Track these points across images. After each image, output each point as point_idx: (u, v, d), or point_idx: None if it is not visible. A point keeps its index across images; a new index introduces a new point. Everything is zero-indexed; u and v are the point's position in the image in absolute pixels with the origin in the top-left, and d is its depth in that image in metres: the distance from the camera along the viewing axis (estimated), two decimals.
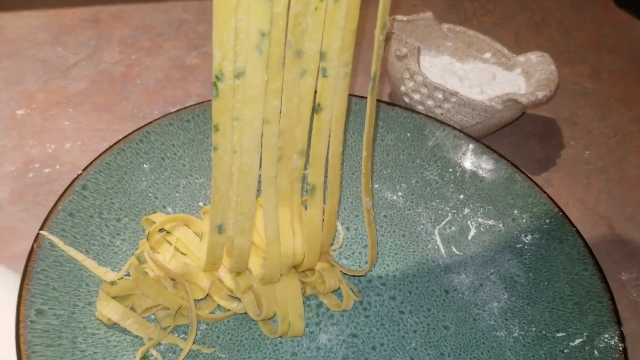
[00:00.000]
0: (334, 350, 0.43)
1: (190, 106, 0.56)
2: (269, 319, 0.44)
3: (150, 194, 0.50)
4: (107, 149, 0.50)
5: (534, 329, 0.45)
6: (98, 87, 0.64)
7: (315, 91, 0.36)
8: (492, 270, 0.49)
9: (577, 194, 0.60)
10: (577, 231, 0.49)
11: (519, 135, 0.65)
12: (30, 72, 0.65)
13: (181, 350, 0.42)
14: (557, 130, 0.67)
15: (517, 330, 0.45)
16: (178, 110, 0.55)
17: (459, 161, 0.56)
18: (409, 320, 0.46)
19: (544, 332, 0.45)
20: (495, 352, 0.44)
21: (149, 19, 0.75)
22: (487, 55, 0.64)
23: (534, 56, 0.61)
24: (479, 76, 0.62)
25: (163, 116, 0.54)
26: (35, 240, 0.43)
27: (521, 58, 0.62)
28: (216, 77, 0.33)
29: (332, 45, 0.34)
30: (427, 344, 0.44)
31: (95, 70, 0.66)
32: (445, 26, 0.65)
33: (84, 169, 0.48)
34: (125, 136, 0.52)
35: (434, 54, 0.66)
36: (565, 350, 0.43)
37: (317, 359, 0.43)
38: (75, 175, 0.47)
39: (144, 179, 0.51)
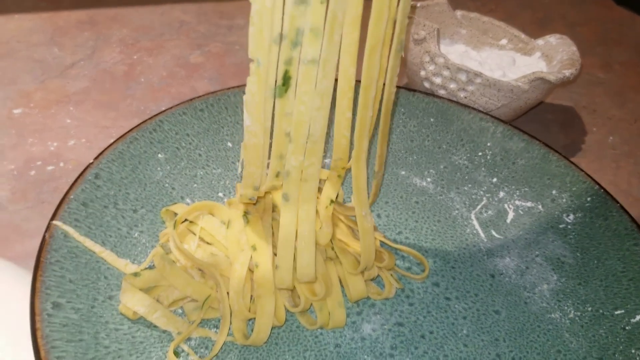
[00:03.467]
0: (380, 340, 0.40)
1: (203, 95, 0.52)
2: (306, 310, 0.40)
3: (167, 185, 0.47)
4: (119, 138, 0.47)
5: (589, 309, 0.42)
6: (100, 86, 0.61)
7: None
8: (537, 253, 0.46)
9: (607, 177, 0.57)
10: (622, 207, 0.46)
11: (541, 123, 0.63)
12: (26, 72, 0.61)
13: (213, 344, 0.38)
14: (578, 118, 0.65)
15: (572, 311, 0.42)
16: (191, 100, 0.52)
17: (489, 144, 0.53)
18: (456, 306, 0.42)
19: (600, 311, 0.41)
20: (553, 335, 0.41)
21: (147, 21, 0.73)
22: (503, 41, 0.63)
23: (553, 39, 0.59)
24: (498, 62, 0.60)
25: (175, 105, 0.51)
26: (47, 230, 0.39)
27: (540, 41, 0.60)
28: None
29: None
30: (479, 329, 0.41)
31: (95, 70, 0.63)
32: (459, 13, 0.63)
33: (96, 158, 0.44)
34: (138, 125, 0.48)
35: (448, 42, 0.64)
36: (626, 328, 0.40)
37: (363, 349, 0.39)
38: (83, 169, 0.44)
39: (159, 169, 0.47)
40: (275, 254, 0.39)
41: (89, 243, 0.40)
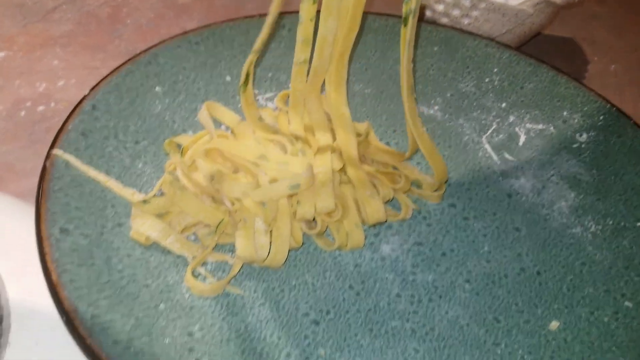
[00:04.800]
0: (400, 259, 0.38)
1: (198, 28, 0.50)
2: (323, 232, 0.39)
3: (167, 118, 0.45)
4: (113, 70, 0.44)
5: (610, 222, 0.41)
6: (85, 29, 0.58)
7: None
8: (552, 172, 0.45)
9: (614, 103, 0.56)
10: (635, 123, 0.46)
11: (544, 54, 0.61)
12: (6, 17, 0.58)
13: (230, 268, 0.36)
14: (579, 49, 0.64)
15: (594, 226, 0.41)
16: (185, 33, 0.49)
17: (495, 70, 0.52)
18: (475, 225, 0.41)
19: (622, 223, 0.41)
20: (576, 249, 0.40)
21: None
22: None
23: None
24: None
25: (169, 38, 0.48)
26: (47, 159, 0.36)
27: None
28: None
29: None
30: (500, 246, 0.40)
31: (79, 13, 0.60)
32: None
33: (92, 89, 0.42)
34: (132, 57, 0.46)
35: None
36: None
37: (384, 268, 0.38)
38: (79, 101, 0.41)
39: (157, 102, 0.45)
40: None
41: (92, 172, 0.38)
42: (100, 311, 0.30)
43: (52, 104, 0.49)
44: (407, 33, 0.35)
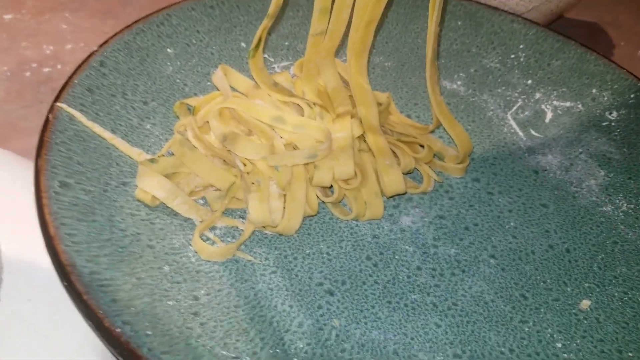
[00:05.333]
0: (421, 231, 0.36)
1: None
2: (340, 201, 0.37)
3: (178, 80, 0.42)
4: (124, 27, 0.42)
5: None
6: None
7: None
8: (580, 150, 0.43)
9: None
10: None
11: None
12: None
13: (240, 234, 0.34)
14: (604, 33, 0.62)
15: (625, 205, 0.39)
16: None
17: (521, 46, 0.49)
18: (500, 200, 0.39)
19: None
20: (607, 227, 0.37)
21: None
22: None
23: None
24: None
25: (184, 0, 0.46)
26: (50, 112, 0.34)
27: None
28: None
29: None
30: (527, 222, 0.37)
31: None
32: None
33: (100, 46, 0.40)
34: (144, 17, 0.44)
35: None
36: None
37: (403, 240, 0.35)
38: (87, 56, 0.39)
39: (169, 63, 0.43)
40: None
41: (97, 129, 0.36)
42: (99, 267, 0.28)
43: (59, 66, 0.47)
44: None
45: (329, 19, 0.36)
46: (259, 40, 0.37)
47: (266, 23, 0.36)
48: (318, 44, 0.38)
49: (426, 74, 0.37)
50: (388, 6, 0.35)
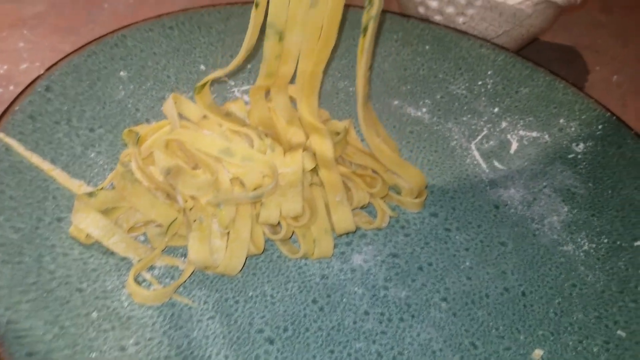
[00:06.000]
0: (372, 271, 0.35)
1: (173, 12, 0.47)
2: (288, 238, 0.35)
3: (129, 105, 0.41)
4: (75, 50, 0.41)
5: (605, 241, 0.37)
6: (58, 10, 0.55)
7: None
8: (544, 184, 0.41)
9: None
10: (637, 134, 0.42)
11: (542, 61, 0.57)
12: None
13: (180, 274, 0.32)
14: (580, 57, 0.60)
15: (587, 244, 0.37)
16: (159, 16, 0.46)
17: (489, 72, 0.48)
18: (457, 237, 0.37)
19: (618, 242, 0.37)
20: (566, 268, 0.36)
21: None
22: None
23: None
24: None
25: (141, 21, 0.45)
26: None
27: None
28: None
29: None
30: (484, 262, 0.36)
31: None
32: None
33: (47, 69, 0.39)
34: (97, 38, 0.42)
35: None
36: None
37: (353, 281, 0.34)
38: (32, 81, 0.38)
39: (121, 87, 0.42)
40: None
41: (36, 159, 0.34)
42: (18, 316, 0.26)
43: (11, 87, 0.45)
44: (365, 42, 0.32)
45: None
46: (206, 82, 0.36)
47: (219, 74, 0.35)
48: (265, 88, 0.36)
49: (359, 116, 0.35)
50: (334, 50, 0.33)
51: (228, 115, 0.38)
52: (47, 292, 0.28)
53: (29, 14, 0.54)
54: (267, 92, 0.36)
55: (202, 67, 0.46)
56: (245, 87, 0.45)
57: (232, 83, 0.45)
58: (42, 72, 0.43)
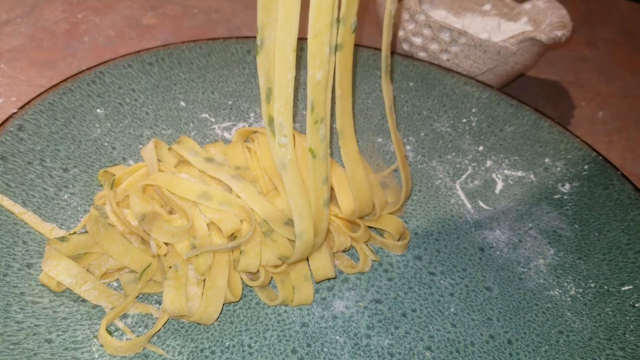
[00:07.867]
0: (354, 318, 0.33)
1: (153, 48, 0.46)
2: (266, 284, 0.34)
3: (106, 144, 0.40)
4: (49, 87, 0.40)
5: (593, 285, 0.37)
6: (37, 44, 0.54)
7: None
8: (530, 225, 0.41)
9: (600, 152, 0.52)
10: (623, 175, 0.42)
11: (527, 97, 0.58)
12: None
13: (154, 322, 0.31)
14: (565, 92, 0.60)
15: (574, 288, 0.37)
16: (138, 52, 0.45)
17: (474, 110, 0.48)
18: (442, 282, 0.36)
19: (605, 287, 0.36)
20: (553, 314, 0.35)
21: None
22: (487, 7, 0.58)
23: (540, 2, 0.55)
24: (482, 27, 0.55)
25: (120, 56, 0.44)
26: None
27: (527, 5, 0.56)
28: None
29: None
30: (469, 308, 0.35)
31: (33, 27, 0.56)
32: None
33: (21, 107, 0.38)
34: (74, 75, 0.42)
35: (428, 7, 0.58)
36: (636, 305, 0.35)
37: (334, 329, 0.33)
38: (4, 120, 0.37)
39: (97, 125, 0.41)
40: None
41: (6, 202, 0.33)
42: None
43: None
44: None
45: None
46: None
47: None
48: None
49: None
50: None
51: (208, 161, 0.36)
52: (14, 345, 0.27)
53: (7, 47, 0.53)
54: None
55: (182, 103, 0.45)
56: (226, 124, 0.45)
57: (213, 120, 0.45)
58: (18, 107, 0.42)
